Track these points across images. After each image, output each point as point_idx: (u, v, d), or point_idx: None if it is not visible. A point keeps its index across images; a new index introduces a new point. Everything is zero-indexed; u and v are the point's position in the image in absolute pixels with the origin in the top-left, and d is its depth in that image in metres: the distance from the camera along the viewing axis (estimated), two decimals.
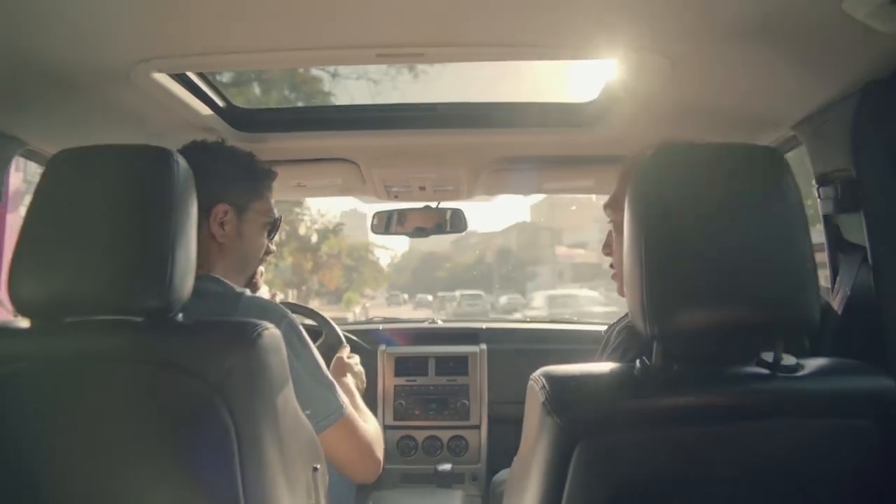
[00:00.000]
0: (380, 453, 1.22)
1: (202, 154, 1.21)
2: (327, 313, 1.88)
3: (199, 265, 1.14)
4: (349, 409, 1.15)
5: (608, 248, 1.21)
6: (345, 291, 22.33)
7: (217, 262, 1.20)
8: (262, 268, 1.32)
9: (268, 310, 1.10)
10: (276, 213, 1.31)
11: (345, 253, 22.27)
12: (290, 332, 1.09)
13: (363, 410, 1.28)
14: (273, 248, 1.34)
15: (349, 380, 1.41)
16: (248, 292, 1.15)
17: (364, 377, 1.52)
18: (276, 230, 1.32)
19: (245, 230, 1.24)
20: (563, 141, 1.58)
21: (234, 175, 1.23)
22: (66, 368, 0.83)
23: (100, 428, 0.82)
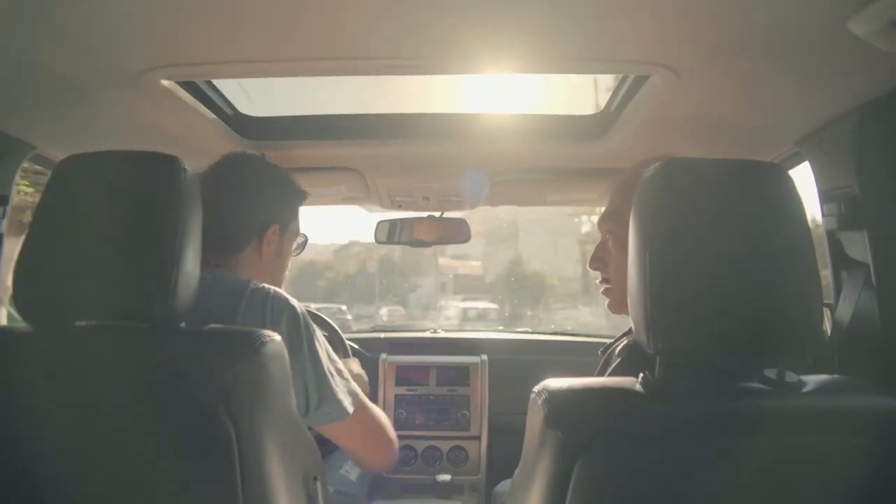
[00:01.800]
0: (393, 435, 1.24)
1: (255, 172, 1.26)
2: None
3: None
4: (362, 397, 1.16)
5: (598, 262, 1.18)
6: None
7: (249, 276, 1.21)
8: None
9: (274, 299, 1.10)
10: (303, 231, 1.37)
11: None
12: (294, 322, 1.09)
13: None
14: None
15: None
16: (254, 282, 1.13)
17: (366, 379, 1.53)
18: (303, 248, 1.39)
19: (284, 249, 1.30)
20: (567, 153, 1.59)
21: (283, 196, 1.29)
22: (69, 373, 0.83)
23: (102, 433, 0.82)
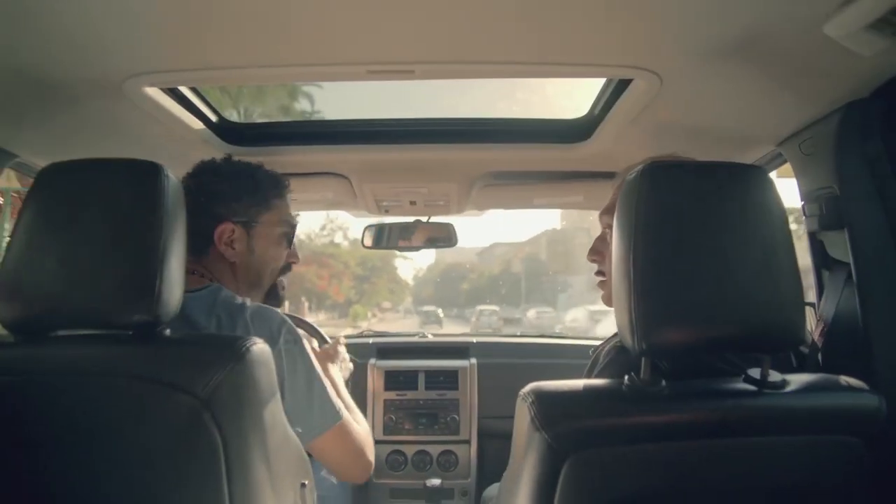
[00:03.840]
0: (371, 455, 1.22)
1: (206, 174, 1.24)
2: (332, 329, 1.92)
3: (210, 280, 1.17)
4: (345, 413, 1.16)
5: (595, 254, 1.21)
6: (354, 304, 21.49)
7: (230, 279, 1.22)
8: (284, 280, 1.33)
9: (272, 318, 1.10)
10: (293, 221, 1.30)
11: (355, 262, 21.37)
12: (289, 338, 1.10)
13: (353, 410, 1.26)
14: (296, 258, 1.35)
15: (334, 371, 1.38)
16: (249, 301, 1.13)
17: (348, 361, 1.51)
18: (291, 238, 1.31)
19: (256, 245, 1.24)
20: (553, 157, 1.60)
21: (236, 191, 1.23)
22: (52, 383, 0.82)
23: (86, 442, 0.81)
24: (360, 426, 1.22)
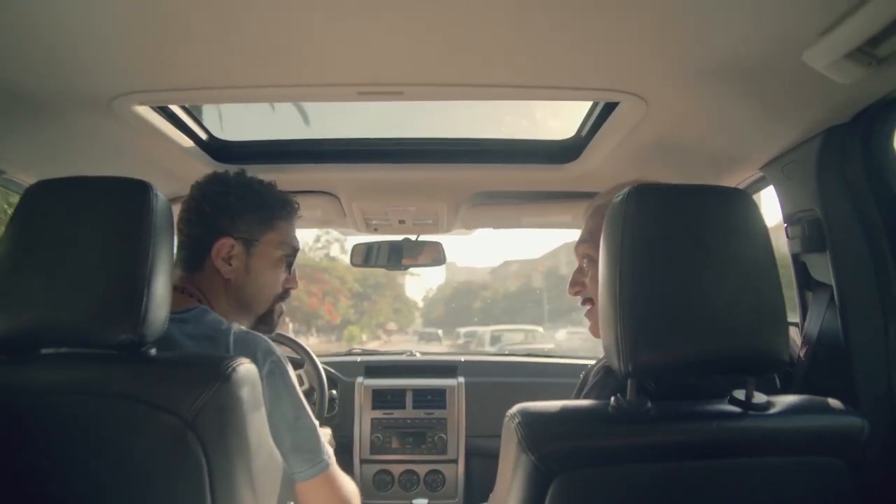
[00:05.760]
0: None
1: (215, 186, 1.18)
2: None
3: (199, 301, 1.11)
4: (333, 462, 1.09)
5: (576, 286, 1.18)
6: (350, 325, 20.04)
7: (221, 300, 1.15)
8: (282, 306, 1.26)
9: (256, 345, 1.04)
10: (295, 245, 1.25)
11: (352, 278, 19.87)
12: (274, 369, 1.03)
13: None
14: (294, 283, 1.27)
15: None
16: (235, 326, 1.07)
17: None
18: (292, 263, 1.25)
19: (254, 265, 1.18)
20: (541, 177, 1.61)
21: (243, 207, 1.18)
22: (36, 402, 0.82)
23: (70, 461, 0.80)
24: (349, 484, 1.15)
